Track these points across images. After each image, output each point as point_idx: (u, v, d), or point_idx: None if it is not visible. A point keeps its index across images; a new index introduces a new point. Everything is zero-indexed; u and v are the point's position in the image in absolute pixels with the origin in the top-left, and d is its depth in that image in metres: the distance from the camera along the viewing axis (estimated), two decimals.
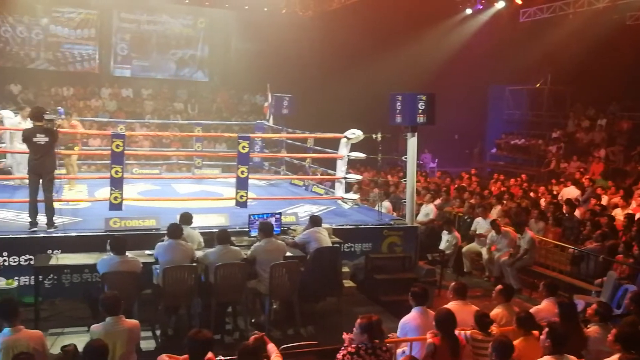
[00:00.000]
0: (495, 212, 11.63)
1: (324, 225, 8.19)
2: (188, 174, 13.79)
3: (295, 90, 15.56)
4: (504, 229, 10.22)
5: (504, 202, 12.40)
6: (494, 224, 10.24)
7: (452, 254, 10.76)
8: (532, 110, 21.49)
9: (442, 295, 8.68)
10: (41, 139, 7.77)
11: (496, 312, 5.90)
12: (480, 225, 10.78)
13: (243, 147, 9.28)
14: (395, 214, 11.60)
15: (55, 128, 7.89)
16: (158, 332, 6.89)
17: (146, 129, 17.90)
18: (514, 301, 6.19)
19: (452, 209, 12.35)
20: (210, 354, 4.35)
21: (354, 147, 10.60)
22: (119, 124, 13.43)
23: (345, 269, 8.61)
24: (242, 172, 9.27)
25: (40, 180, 7.86)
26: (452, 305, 5.71)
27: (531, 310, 5.63)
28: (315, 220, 7.98)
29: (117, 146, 8.56)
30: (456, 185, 14.85)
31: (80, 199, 9.78)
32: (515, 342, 4.75)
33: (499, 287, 6.15)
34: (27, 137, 7.85)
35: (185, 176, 12.79)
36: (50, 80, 19.96)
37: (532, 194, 13.80)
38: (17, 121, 10.71)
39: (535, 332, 5.13)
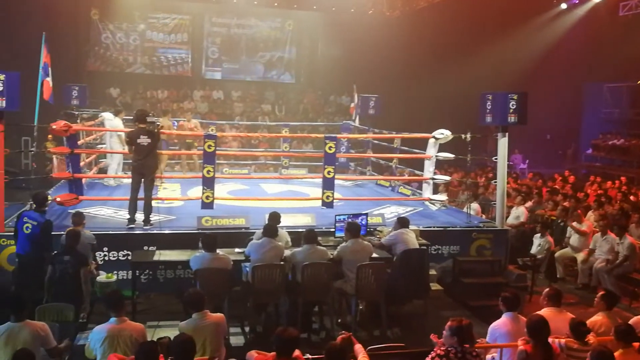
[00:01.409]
0: (591, 216, 11.11)
1: (411, 226, 8.11)
2: (276, 174, 14.05)
3: (382, 90, 15.50)
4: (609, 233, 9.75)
5: (601, 205, 11.82)
6: (602, 225, 9.77)
7: (544, 258, 10.36)
8: (633, 108, 20.38)
9: (533, 301, 8.42)
10: (144, 140, 8.15)
11: (595, 319, 5.62)
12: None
13: (329, 148, 9.35)
14: (484, 216, 11.32)
15: (156, 130, 8.25)
16: (247, 329, 7.05)
17: (235, 130, 18.37)
18: (614, 310, 5.89)
19: (544, 212, 11.91)
20: (297, 352, 4.40)
21: (442, 148, 10.45)
22: (210, 125, 13.85)
23: (433, 272, 8.50)
24: (329, 172, 9.34)
25: (142, 180, 8.25)
26: (545, 312, 5.49)
27: (631, 321, 5.34)
28: (402, 222, 7.91)
29: (209, 146, 8.83)
30: (548, 188, 14.33)
31: (175, 198, 10.17)
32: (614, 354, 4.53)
33: (601, 292, 5.87)
34: (132, 138, 8.25)
35: (273, 176, 13.03)
36: (146, 83, 20.93)
37: (632, 198, 13.12)
38: (116, 123, 11.29)
39: (636, 344, 4.87)
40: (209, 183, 8.87)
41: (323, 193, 9.36)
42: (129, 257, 7.80)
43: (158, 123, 8.34)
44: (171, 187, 11.33)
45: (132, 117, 9.09)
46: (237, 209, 9.38)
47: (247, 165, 15.30)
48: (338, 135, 10.46)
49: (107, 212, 9.17)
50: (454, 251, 9.04)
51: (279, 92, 22.46)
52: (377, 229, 8.58)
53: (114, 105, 18.45)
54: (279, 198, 10.23)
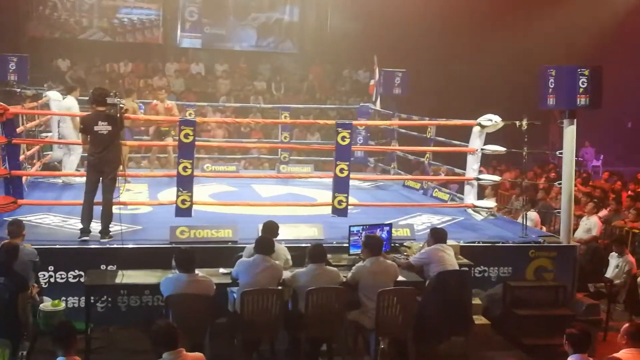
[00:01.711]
0: None
1: (449, 241, 8.11)
2: (272, 172, 14.09)
3: (411, 63, 15.52)
4: None
5: None
6: None
7: (624, 284, 10.33)
8: None
9: (609, 340, 8.42)
10: (103, 127, 8.18)
11: None
12: None
13: (342, 138, 9.36)
14: (544, 228, 11.31)
15: (118, 114, 8.26)
16: None
17: (220, 115, 18.44)
18: None
19: (624, 224, 11.88)
20: None
21: (490, 139, 10.45)
22: (188, 107, 13.89)
23: (477, 301, 8.50)
24: (342, 170, 9.35)
25: (101, 179, 8.30)
26: (625, 354, 5.50)
27: None
28: (437, 235, 7.91)
29: (186, 136, 8.86)
30: (630, 192, 14.28)
31: (141, 202, 10.22)
32: None
33: None
34: (87, 125, 8.29)
35: (268, 175, 13.07)
36: (104, 53, 21.02)
37: None
38: (69, 104, 11.34)
39: None
40: (185, 183, 8.90)
41: (334, 197, 9.38)
42: (82, 279, 7.83)
43: (121, 105, 8.35)
44: (137, 188, 11.37)
45: (87, 98, 9.12)
46: (221, 217, 9.39)
47: (236, 160, 15.34)
48: (354, 122, 10.48)
49: (54, 221, 9.21)
50: (504, 274, 9.04)
51: (276, 66, 22.50)
52: (405, 244, 8.59)
53: (63, 81, 18.53)
54: (276, 203, 10.25)
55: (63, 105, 11.39)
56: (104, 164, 8.23)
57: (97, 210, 8.44)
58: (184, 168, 8.88)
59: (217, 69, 21.96)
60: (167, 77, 21.19)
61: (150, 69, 21.44)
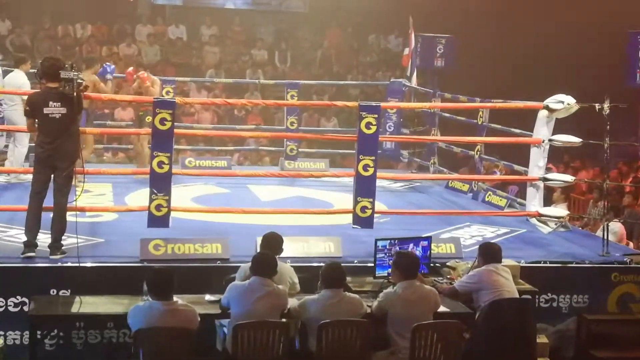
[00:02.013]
0: None
1: (506, 260, 8.09)
2: (275, 168, 14.09)
3: (457, 27, 15.53)
4: None
5: None
6: None
7: None
8: None
9: None
10: (55, 109, 8.16)
11: None
12: None
13: (367, 125, 9.33)
14: (632, 244, 11.26)
15: (74, 93, 8.22)
16: None
17: (207, 94, 18.46)
18: None
19: None
20: None
21: (560, 126, 10.42)
22: (165, 84, 13.88)
23: (542, 339, 8.45)
24: (366, 166, 9.33)
25: (53, 177, 8.30)
26: None
27: None
28: (489, 253, 7.89)
29: (162, 121, 8.83)
30: None
31: (104, 208, 10.23)
32: None
33: None
34: (34, 107, 8.27)
35: (269, 172, 13.05)
36: (55, 12, 21.06)
37: None
38: (18, 81, 11.40)
39: None
40: (161, 183, 8.88)
41: (356, 202, 9.36)
42: (25, 308, 7.84)
43: (80, 80, 8.34)
44: (98, 189, 11.40)
45: (34, 72, 9.12)
46: (208, 228, 9.41)
47: (227, 153, 15.35)
48: (382, 104, 10.45)
49: None
50: (579, 304, 9.02)
51: (281, 29, 22.54)
52: (448, 264, 8.58)
53: (2, 49, 18.60)
54: (279, 210, 10.24)
55: (11, 82, 11.46)
56: (56, 157, 8.20)
57: (46, 217, 8.44)
58: (160, 163, 8.85)
59: (202, 34, 22.01)
60: (138, 43, 21.25)
61: (115, 33, 21.50)
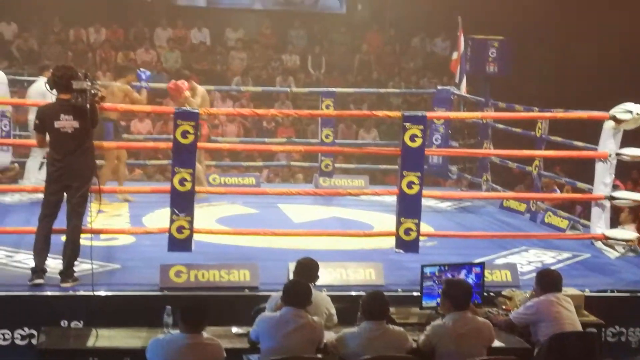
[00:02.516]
0: None
1: (568, 289, 8.03)
2: (309, 186, 14.09)
3: (512, 30, 15.43)
4: None
5: None
6: None
7: None
8: None
9: None
10: (67, 123, 8.19)
11: None
12: None
13: (412, 138, 9.31)
14: None
15: (87, 105, 8.22)
16: None
17: (234, 103, 18.50)
18: None
19: None
20: None
21: (629, 139, 10.36)
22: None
23: None
24: (410, 184, 9.30)
25: (66, 196, 8.32)
26: None
27: None
28: (549, 280, 7.83)
29: (184, 134, 8.86)
30: None
31: (119, 230, 10.24)
32: None
33: None
34: (44, 120, 8.28)
35: (303, 191, 13.04)
36: (66, 15, 21.23)
37: None
38: (40, 90, 11.50)
39: None
40: (183, 203, 8.91)
41: (399, 223, 9.33)
42: (34, 341, 7.86)
43: (94, 91, 8.33)
44: (113, 210, 11.47)
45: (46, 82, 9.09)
46: (235, 252, 9.42)
47: (256, 169, 15.36)
48: (428, 114, 10.41)
49: None
50: None
51: (315, 32, 22.58)
52: (503, 293, 8.51)
53: (7, 54, 18.74)
54: (314, 232, 10.23)
55: (35, 92, 11.59)
56: (69, 175, 8.20)
57: (58, 241, 8.46)
58: (181, 181, 8.89)
59: (228, 37, 22.15)
60: (157, 48, 21.40)
61: (132, 38, 21.70)
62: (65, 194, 8.30)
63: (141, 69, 12.34)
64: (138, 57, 20.52)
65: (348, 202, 12.49)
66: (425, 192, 9.57)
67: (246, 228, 10.39)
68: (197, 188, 9.25)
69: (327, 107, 13.68)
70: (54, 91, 8.34)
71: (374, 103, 19.19)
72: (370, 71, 21.58)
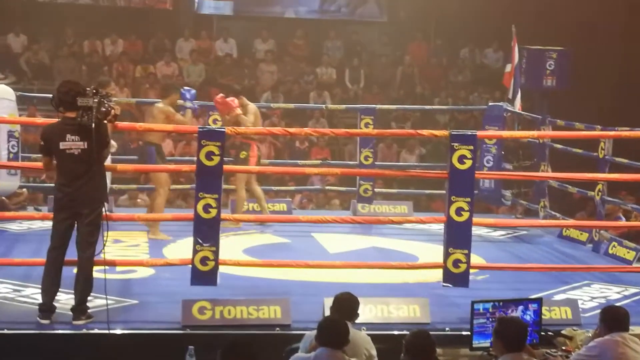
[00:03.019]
0: None
1: (635, 329, 7.95)
2: (346, 213, 14.09)
3: (570, 39, 15.38)
4: None
5: None
6: None
7: None
8: None
9: None
10: (73, 144, 8.17)
11: None
12: None
13: (460, 159, 9.29)
14: None
15: (93, 122, 8.19)
16: None
17: (263, 122, 18.49)
18: None
19: None
20: None
21: None
22: (212, 110, 13.97)
23: None
24: (459, 210, 9.28)
25: (76, 224, 8.35)
26: None
27: None
28: (614, 318, 7.75)
29: (209, 155, 8.90)
30: None
31: (137, 261, 10.32)
32: None
33: None
34: (49, 141, 8.24)
35: (340, 218, 13.03)
36: (80, 25, 21.38)
37: None
38: None
39: None
40: (207, 231, 8.93)
41: (447, 254, 9.31)
42: None
43: (104, 108, 8.29)
44: (131, 239, 11.54)
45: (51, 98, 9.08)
46: (265, 286, 9.46)
47: (287, 194, 15.38)
48: (479, 133, 10.40)
49: (1, 290, 9.32)
50: None
51: (353, 43, 22.61)
52: (563, 332, 8.46)
53: (16, 68, 18.88)
54: (352, 264, 10.22)
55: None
56: (78, 202, 8.20)
57: (69, 274, 8.49)
58: (206, 207, 8.90)
59: (257, 49, 22.19)
60: (179, 61, 21.48)
61: (152, 50, 21.82)
62: (75, 222, 8.32)
63: (185, 88, 12.33)
64: (158, 71, 20.60)
65: (389, 231, 12.52)
66: (475, 219, 9.56)
67: (277, 259, 10.40)
68: (227, 215, 9.28)
69: (366, 125, 13.72)
70: (61, 109, 8.33)
71: (418, 121, 19.16)
72: (414, 85, 21.56)
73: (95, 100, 8.10)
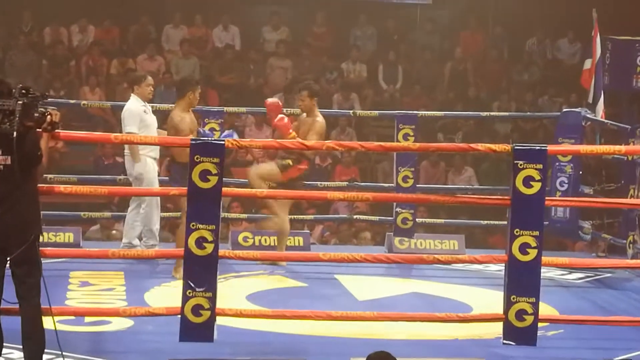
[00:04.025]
0: None
1: None
2: (380, 249, 14.12)
3: None
4: None
5: None
6: None
7: None
8: None
9: None
10: None
11: None
12: None
13: (526, 181, 9.31)
14: None
15: (14, 132, 8.09)
16: None
17: (273, 132, 18.55)
18: None
19: None
20: None
21: None
22: (209, 117, 14.03)
23: None
24: (525, 247, 9.29)
25: (8, 264, 8.29)
26: None
27: None
28: None
29: (204, 176, 8.93)
30: None
31: (110, 311, 10.30)
32: None
33: None
34: None
35: (371, 256, 13.02)
36: (39, 9, 21.48)
37: None
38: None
39: None
40: (201, 272, 8.97)
41: (509, 303, 9.32)
42: None
43: (41, 110, 8.23)
44: (103, 280, 11.60)
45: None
46: (276, 342, 9.48)
47: (305, 225, 15.39)
48: (550, 147, 10.40)
49: None
50: None
51: (389, 31, 22.76)
52: None
53: None
54: (386, 315, 10.25)
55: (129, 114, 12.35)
56: (4, 233, 8.13)
57: (10, 325, 8.49)
58: (199, 241, 8.95)
59: (266, 39, 22.35)
60: (166, 54, 21.61)
61: (131, 39, 21.96)
62: (4, 261, 8.18)
63: (228, 131, 12.72)
64: (139, 66, 20.62)
65: (435, 273, 12.56)
66: (545, 258, 9.58)
67: (290, 309, 10.39)
68: (226, 252, 9.29)
69: (406, 137, 13.74)
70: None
71: (471, 131, 19.20)
72: (467, 86, 21.60)
73: (20, 102, 7.99)
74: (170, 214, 14.22)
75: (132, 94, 12.78)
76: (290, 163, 12.69)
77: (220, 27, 22.08)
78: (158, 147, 12.49)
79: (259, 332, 9.79)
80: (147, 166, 12.33)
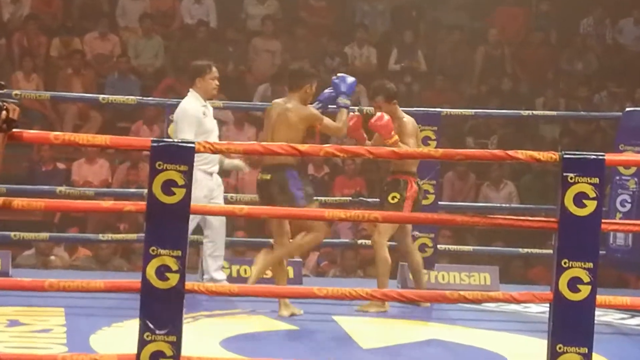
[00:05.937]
0: None
1: None
2: (391, 283, 14.11)
3: None
4: None
5: None
6: None
7: None
8: None
9: None
10: None
11: None
12: None
13: (578, 200, 9.32)
14: None
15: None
16: None
17: (257, 131, 18.69)
18: None
19: None
20: None
21: None
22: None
23: None
24: (574, 283, 9.29)
25: None
26: None
27: None
28: None
29: (168, 188, 8.95)
30: None
31: (45, 357, 10.30)
32: None
33: None
34: None
35: (380, 292, 13.13)
36: None
37: None
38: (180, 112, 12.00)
39: None
40: (164, 309, 8.99)
41: (555, 354, 9.33)
42: None
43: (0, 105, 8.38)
44: (37, 319, 11.66)
45: None
46: None
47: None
48: (608, 157, 10.41)
49: None
50: None
51: (403, 7, 22.83)
52: None
53: None
54: None
55: (177, 114, 12.88)
56: None
57: None
58: (161, 271, 8.97)
59: (249, 14, 22.62)
60: (121, 32, 21.75)
61: (76, 14, 22.17)
62: None
63: (340, 75, 12.74)
64: (87, 48, 20.75)
65: (461, 314, 12.58)
66: (601, 297, 9.58)
67: (276, 357, 10.48)
68: (196, 284, 9.31)
69: (426, 141, 13.78)
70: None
71: (509, 134, 19.25)
72: (502, 76, 21.64)
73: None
74: (124, 235, 14.24)
75: (190, 90, 13.09)
76: (398, 196, 12.72)
77: (194, 1, 22.15)
78: (217, 158, 12.57)
79: None
80: (195, 182, 12.31)
